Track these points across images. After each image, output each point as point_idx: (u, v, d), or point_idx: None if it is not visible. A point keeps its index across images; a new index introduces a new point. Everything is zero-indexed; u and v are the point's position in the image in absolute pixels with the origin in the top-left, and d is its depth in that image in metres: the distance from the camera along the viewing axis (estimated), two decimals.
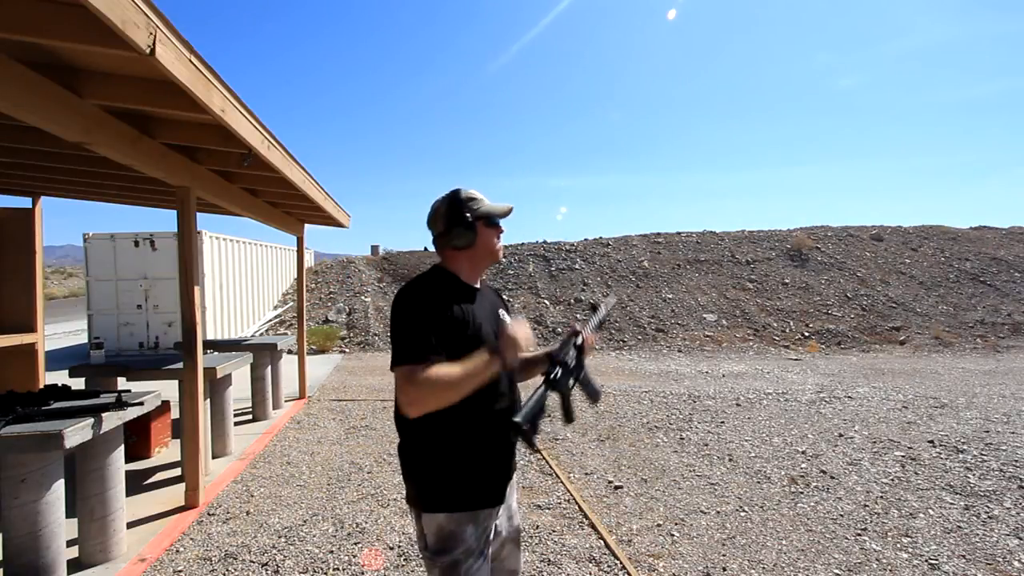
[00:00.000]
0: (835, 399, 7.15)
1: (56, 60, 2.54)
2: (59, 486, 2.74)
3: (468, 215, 1.62)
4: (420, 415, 1.42)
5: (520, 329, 1.48)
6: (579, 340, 1.65)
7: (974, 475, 4.43)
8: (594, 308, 1.91)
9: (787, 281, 14.50)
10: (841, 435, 5.53)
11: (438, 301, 1.53)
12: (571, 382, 1.56)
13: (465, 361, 1.42)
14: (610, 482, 4.34)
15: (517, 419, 1.35)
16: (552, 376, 1.50)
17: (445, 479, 1.53)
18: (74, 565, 3.00)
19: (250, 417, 6.25)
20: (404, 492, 1.64)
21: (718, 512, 3.78)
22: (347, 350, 12.13)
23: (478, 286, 1.70)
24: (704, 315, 13.16)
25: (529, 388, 1.50)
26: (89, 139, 2.86)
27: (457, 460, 1.54)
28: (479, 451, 1.56)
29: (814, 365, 9.96)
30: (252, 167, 3.96)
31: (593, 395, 1.66)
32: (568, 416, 1.59)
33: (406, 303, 1.53)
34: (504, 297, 1.96)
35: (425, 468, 1.56)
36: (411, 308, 1.51)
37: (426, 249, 19.15)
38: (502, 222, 1.69)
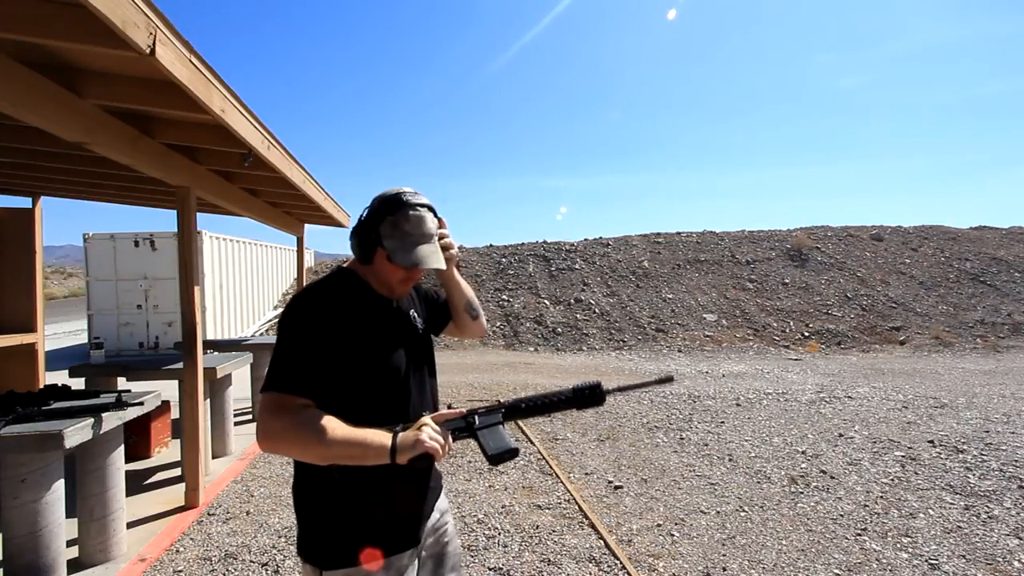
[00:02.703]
0: (835, 399, 7.15)
1: (56, 60, 2.53)
2: (59, 486, 2.74)
3: (377, 235, 1.35)
4: (269, 451, 1.25)
5: (428, 438, 1.23)
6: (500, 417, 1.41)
7: (974, 475, 4.43)
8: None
9: (787, 281, 14.50)
10: (841, 435, 5.53)
11: (337, 318, 1.30)
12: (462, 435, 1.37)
13: (358, 430, 1.22)
14: (610, 482, 4.34)
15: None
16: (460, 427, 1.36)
17: (350, 528, 1.32)
18: (74, 565, 3.00)
19: (250, 417, 6.25)
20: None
21: (718, 512, 3.78)
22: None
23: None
24: (704, 315, 13.16)
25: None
26: (89, 139, 2.86)
27: (364, 504, 1.32)
28: (390, 491, 1.34)
29: (814, 365, 9.96)
30: (252, 167, 3.96)
31: (487, 453, 1.36)
32: (484, 453, 1.35)
33: (299, 316, 1.29)
34: (423, 290, 1.66)
35: (326, 515, 1.33)
36: (303, 324, 1.28)
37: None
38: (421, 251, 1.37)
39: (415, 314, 1.52)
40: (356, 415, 1.27)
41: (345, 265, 1.46)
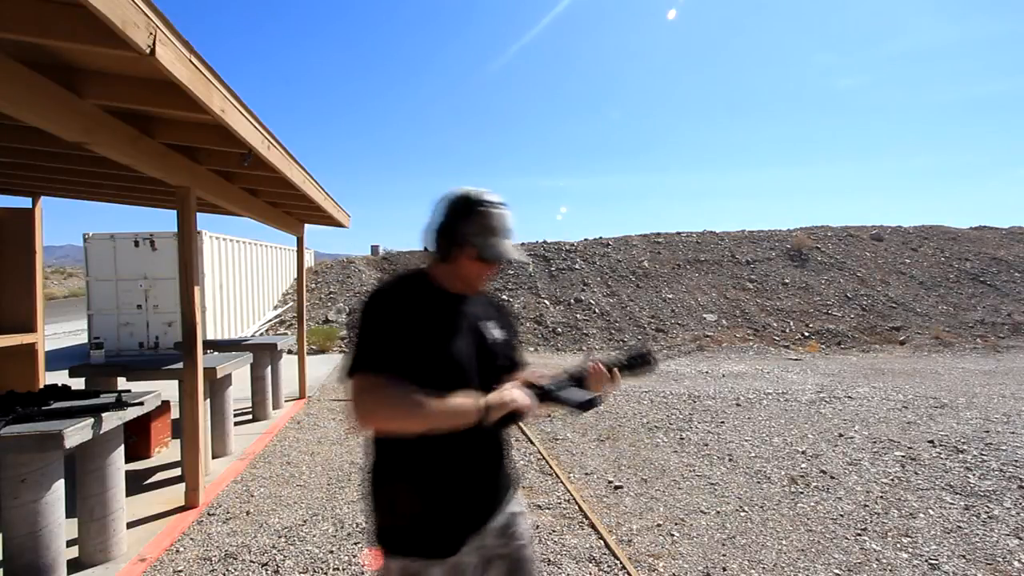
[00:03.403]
0: (835, 399, 7.15)
1: (56, 60, 2.54)
2: (59, 486, 2.74)
3: (463, 233, 1.41)
4: (371, 430, 1.31)
5: (516, 394, 1.33)
6: (583, 371, 1.49)
7: (974, 475, 4.43)
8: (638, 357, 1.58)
9: (787, 281, 14.50)
10: (841, 435, 5.53)
11: (411, 310, 1.36)
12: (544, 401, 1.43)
13: (447, 397, 1.28)
14: (610, 482, 4.34)
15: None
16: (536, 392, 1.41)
17: (413, 518, 1.35)
18: (74, 565, 3.00)
19: (250, 417, 6.25)
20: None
21: (718, 512, 3.78)
22: (347, 350, 12.12)
23: (463, 293, 1.50)
24: (704, 315, 13.16)
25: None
26: (89, 139, 2.86)
27: (432, 495, 1.35)
28: (460, 486, 1.38)
29: (814, 365, 9.96)
30: (252, 167, 3.96)
31: (576, 403, 1.42)
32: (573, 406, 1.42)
33: (376, 306, 1.36)
34: (501, 306, 1.67)
35: (393, 500, 1.37)
36: (381, 313, 1.35)
37: (426, 249, 19.14)
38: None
39: (493, 325, 1.53)
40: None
41: (422, 267, 1.52)
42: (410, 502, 1.35)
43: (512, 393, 1.32)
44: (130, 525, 3.42)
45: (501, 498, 1.49)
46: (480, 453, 1.41)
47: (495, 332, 1.52)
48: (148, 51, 2.03)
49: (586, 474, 4.53)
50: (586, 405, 1.39)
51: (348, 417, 1.31)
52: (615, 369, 1.54)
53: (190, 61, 2.40)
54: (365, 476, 1.45)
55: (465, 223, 1.41)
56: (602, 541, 3.35)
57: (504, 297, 14.12)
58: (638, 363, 1.56)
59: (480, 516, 1.42)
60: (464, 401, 1.29)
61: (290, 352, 8.95)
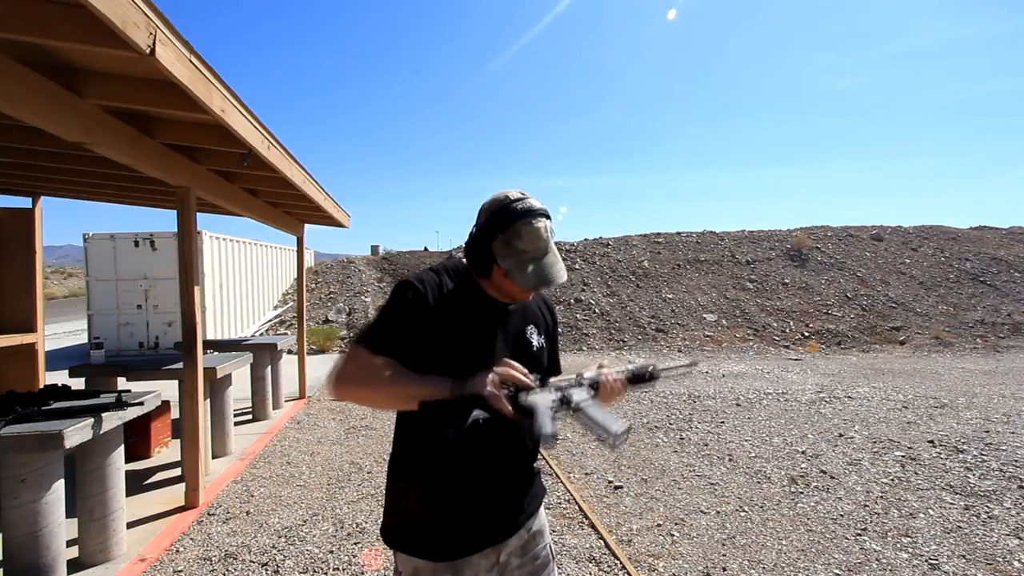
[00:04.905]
0: (835, 399, 7.15)
1: (56, 60, 2.54)
2: (59, 486, 2.74)
3: (490, 253, 1.27)
4: (339, 396, 1.24)
5: (505, 370, 1.17)
6: (591, 378, 1.29)
7: (974, 475, 4.43)
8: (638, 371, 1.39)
9: (787, 281, 14.50)
10: (841, 435, 5.53)
11: (441, 304, 1.28)
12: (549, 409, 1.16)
13: (421, 377, 1.20)
14: (610, 482, 4.34)
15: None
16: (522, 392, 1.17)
17: (429, 517, 1.29)
18: (74, 565, 3.00)
19: (250, 417, 6.25)
20: None
21: (718, 512, 3.78)
22: (347, 350, 12.13)
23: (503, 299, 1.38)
24: (704, 315, 13.16)
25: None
26: (89, 139, 2.86)
27: (448, 496, 1.28)
28: (478, 490, 1.29)
29: (814, 365, 9.96)
30: (252, 167, 3.96)
31: (599, 434, 1.17)
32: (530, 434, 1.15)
33: (406, 288, 1.28)
34: (549, 308, 1.54)
35: (408, 496, 1.32)
36: (406, 296, 1.27)
37: (426, 249, 19.16)
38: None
39: (532, 330, 1.42)
40: None
41: (466, 263, 1.38)
42: (418, 501, 1.29)
43: (495, 376, 1.15)
44: (130, 525, 3.42)
45: (521, 514, 1.39)
46: (503, 463, 1.32)
47: (535, 338, 1.42)
48: (148, 51, 2.03)
49: (586, 474, 4.53)
50: (621, 437, 1.14)
51: (331, 375, 1.26)
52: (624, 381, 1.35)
53: (190, 61, 2.40)
54: (390, 465, 1.41)
55: (493, 241, 1.26)
56: (602, 541, 3.35)
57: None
58: (644, 380, 1.39)
59: (496, 528, 1.34)
60: (438, 378, 1.19)
61: (290, 352, 8.95)
